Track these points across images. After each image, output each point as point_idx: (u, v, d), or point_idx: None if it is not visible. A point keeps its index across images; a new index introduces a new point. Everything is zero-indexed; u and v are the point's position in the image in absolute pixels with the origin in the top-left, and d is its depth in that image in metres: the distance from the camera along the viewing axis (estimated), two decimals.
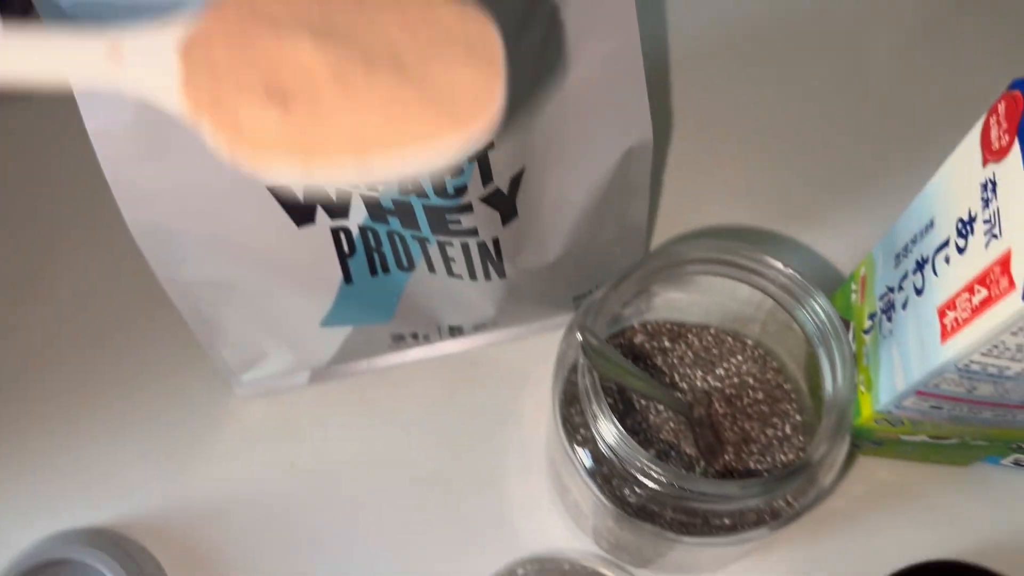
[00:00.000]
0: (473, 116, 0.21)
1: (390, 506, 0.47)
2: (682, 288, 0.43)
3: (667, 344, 0.46)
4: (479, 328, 0.47)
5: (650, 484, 0.35)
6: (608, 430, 0.35)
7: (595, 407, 0.35)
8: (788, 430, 0.43)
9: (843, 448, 0.38)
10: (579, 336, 0.33)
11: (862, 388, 0.42)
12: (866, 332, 0.42)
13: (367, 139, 0.20)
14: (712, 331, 0.46)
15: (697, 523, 0.36)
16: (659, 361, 0.45)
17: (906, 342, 0.37)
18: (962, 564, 0.44)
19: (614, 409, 0.41)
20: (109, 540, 0.45)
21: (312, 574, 0.46)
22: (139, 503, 0.47)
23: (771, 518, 0.36)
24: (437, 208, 0.37)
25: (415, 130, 0.21)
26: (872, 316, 0.42)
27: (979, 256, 0.32)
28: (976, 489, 0.47)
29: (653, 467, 0.34)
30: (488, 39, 0.22)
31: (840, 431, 0.35)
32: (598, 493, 0.37)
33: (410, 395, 0.50)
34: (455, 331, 0.47)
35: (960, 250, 0.33)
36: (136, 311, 0.51)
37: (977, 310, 0.32)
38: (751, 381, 0.45)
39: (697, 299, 0.44)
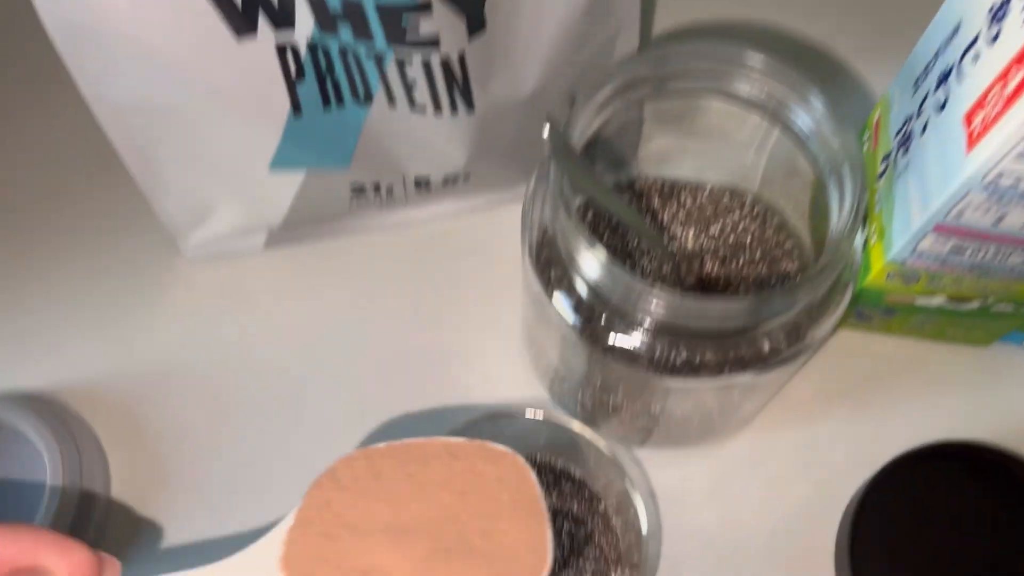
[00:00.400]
0: (534, 568, 0.25)
1: (346, 380, 0.43)
2: (674, 128, 0.39)
3: (656, 203, 0.41)
4: (448, 183, 0.43)
5: (634, 310, 0.30)
6: (587, 256, 0.31)
7: (563, 217, 0.30)
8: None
9: (846, 295, 0.33)
10: (546, 131, 0.28)
11: (872, 239, 0.37)
12: (880, 177, 0.37)
13: None
14: (708, 189, 0.41)
15: (680, 364, 0.32)
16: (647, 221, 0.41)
17: (924, 169, 0.33)
18: (979, 445, 0.39)
19: None
20: (43, 405, 0.41)
21: (256, 448, 0.42)
22: (78, 369, 0.43)
23: (759, 361, 0.32)
24: (391, 8, 0.32)
25: None
26: (886, 158, 0.37)
27: (1016, 35, 0.27)
28: (997, 370, 0.43)
29: (640, 286, 0.29)
30: (525, 482, 0.26)
31: (840, 259, 0.30)
32: (575, 337, 0.33)
33: (374, 265, 0.45)
34: (422, 184, 0.42)
35: (992, 40, 0.29)
36: (80, 167, 0.47)
37: (1011, 98, 0.27)
38: (748, 240, 0.40)
39: (691, 147, 0.40)
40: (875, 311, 0.41)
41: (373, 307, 0.44)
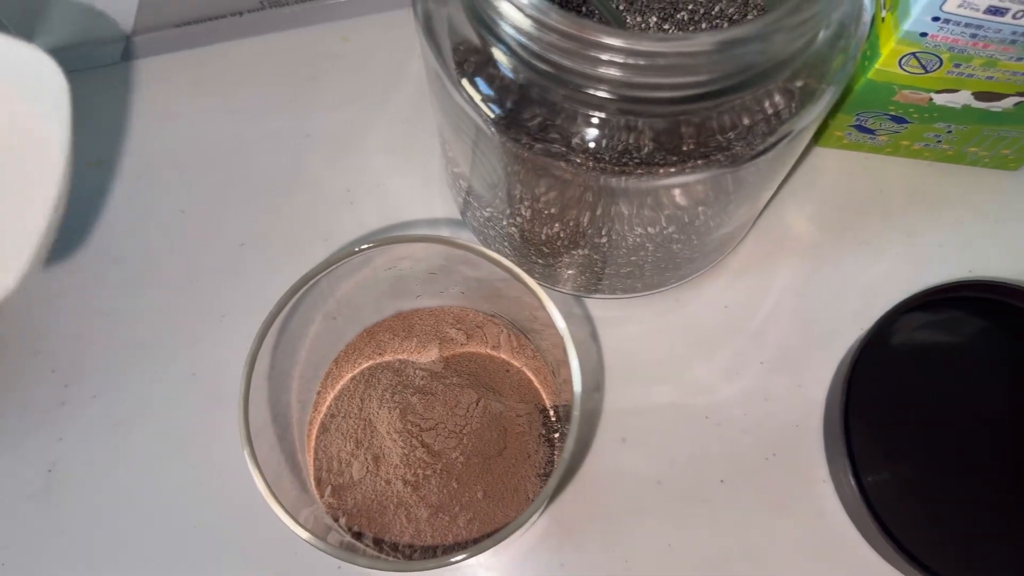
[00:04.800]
0: None
1: (220, 213, 0.34)
2: None
3: None
4: None
5: (569, 74, 0.22)
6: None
7: None
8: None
9: (843, 70, 0.25)
10: None
11: (883, 13, 0.29)
12: None
13: None
14: None
15: (629, 155, 0.23)
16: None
17: None
18: (1002, 284, 0.32)
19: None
20: None
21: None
22: None
23: (724, 149, 0.24)
24: None
25: None
26: None
27: None
28: None
29: (581, 23, 0.21)
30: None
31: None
32: (494, 134, 0.25)
33: (258, 78, 0.37)
34: None
35: None
36: None
37: None
38: (726, 26, 0.31)
39: None
40: (881, 120, 0.32)
41: (255, 131, 0.36)
